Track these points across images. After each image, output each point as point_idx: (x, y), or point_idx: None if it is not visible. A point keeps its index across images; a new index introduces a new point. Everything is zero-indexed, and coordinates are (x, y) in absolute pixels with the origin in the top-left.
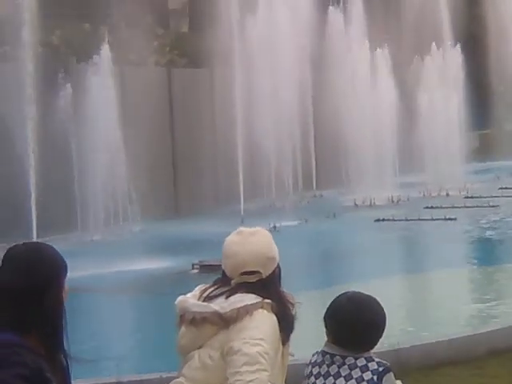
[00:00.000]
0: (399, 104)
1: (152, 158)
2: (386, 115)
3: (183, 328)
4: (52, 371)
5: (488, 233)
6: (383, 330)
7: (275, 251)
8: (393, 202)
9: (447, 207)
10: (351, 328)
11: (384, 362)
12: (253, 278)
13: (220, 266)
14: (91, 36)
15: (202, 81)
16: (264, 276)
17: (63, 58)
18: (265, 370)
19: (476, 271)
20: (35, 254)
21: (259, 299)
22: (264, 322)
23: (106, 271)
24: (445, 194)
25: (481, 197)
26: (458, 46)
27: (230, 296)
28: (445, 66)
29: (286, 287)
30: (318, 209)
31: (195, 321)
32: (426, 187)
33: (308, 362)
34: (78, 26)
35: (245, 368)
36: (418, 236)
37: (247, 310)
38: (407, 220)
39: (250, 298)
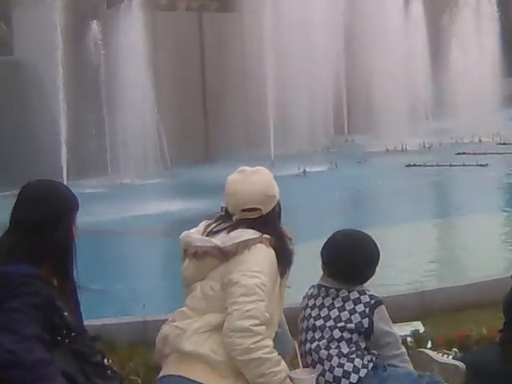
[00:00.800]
0: (432, 50)
1: (183, 103)
2: (418, 62)
3: (187, 261)
4: (63, 300)
5: None
6: (376, 265)
7: (275, 189)
8: (424, 147)
9: (479, 153)
10: (346, 262)
11: (376, 295)
12: (253, 215)
13: None
14: None
15: (233, 25)
16: (264, 213)
17: (93, 3)
18: (262, 301)
19: (505, 217)
20: (48, 190)
21: (258, 234)
22: (262, 255)
23: (136, 214)
24: (477, 140)
25: None
26: None
27: (231, 231)
28: (478, 13)
29: (313, 232)
30: (349, 154)
31: (197, 254)
32: (459, 133)
33: (304, 294)
34: None
35: (242, 298)
36: (449, 181)
37: (246, 245)
38: (438, 166)
39: (250, 234)
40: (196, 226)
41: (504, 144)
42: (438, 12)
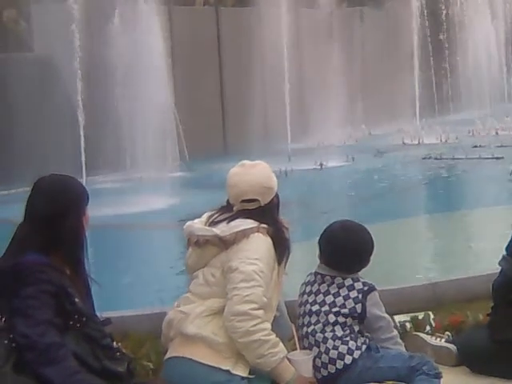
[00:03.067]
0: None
1: (201, 97)
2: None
3: (190, 249)
4: (75, 288)
5: None
6: (370, 255)
7: (273, 182)
8: (441, 140)
9: (495, 146)
10: (341, 251)
11: (369, 282)
12: (252, 206)
13: None
14: None
15: (251, 20)
16: (262, 204)
17: None
18: (260, 286)
19: None
20: (58, 184)
21: (256, 224)
22: (259, 243)
23: (155, 207)
24: (494, 133)
25: None
26: None
27: (230, 221)
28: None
29: (323, 225)
30: (366, 147)
31: (199, 243)
32: (476, 126)
33: (303, 282)
34: None
35: (242, 284)
36: (465, 174)
37: (244, 234)
38: (454, 158)
39: (248, 223)
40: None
41: None
42: None
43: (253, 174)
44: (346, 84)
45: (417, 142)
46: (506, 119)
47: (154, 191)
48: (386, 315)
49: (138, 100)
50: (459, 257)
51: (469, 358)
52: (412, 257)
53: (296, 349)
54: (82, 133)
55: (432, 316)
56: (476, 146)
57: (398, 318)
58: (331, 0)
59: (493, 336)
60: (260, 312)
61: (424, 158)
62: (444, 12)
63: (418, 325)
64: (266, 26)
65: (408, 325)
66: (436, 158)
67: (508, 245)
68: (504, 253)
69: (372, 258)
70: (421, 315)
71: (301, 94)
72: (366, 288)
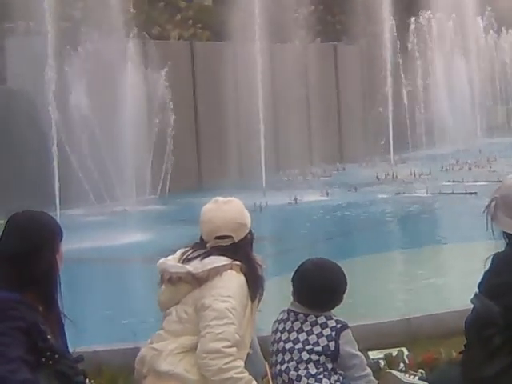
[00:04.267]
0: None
1: (175, 131)
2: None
3: (163, 286)
4: (47, 324)
5: None
6: (343, 293)
7: (247, 218)
8: (414, 175)
9: (468, 182)
10: (314, 290)
11: (342, 320)
12: (225, 242)
13: None
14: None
15: (225, 54)
16: (236, 240)
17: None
18: (233, 324)
19: (489, 245)
20: (30, 220)
21: (229, 261)
22: (232, 281)
23: (130, 241)
24: (467, 168)
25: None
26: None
27: (204, 258)
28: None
29: (297, 261)
30: (341, 182)
31: (172, 280)
32: (449, 162)
33: (275, 319)
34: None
35: (214, 322)
36: (438, 209)
37: (217, 271)
38: (427, 194)
39: (221, 260)
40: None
41: (494, 172)
42: None
43: (226, 210)
44: (320, 119)
45: (390, 178)
46: (478, 155)
47: (130, 224)
48: (360, 353)
49: (114, 135)
50: (432, 293)
51: None
52: (385, 292)
53: None
54: (55, 166)
55: (406, 352)
56: (449, 181)
57: (372, 355)
58: (306, 35)
59: (465, 374)
60: (233, 350)
61: (397, 194)
62: (416, 48)
63: (391, 362)
64: (241, 61)
65: (382, 362)
66: (409, 193)
67: (480, 282)
68: (476, 290)
69: (345, 294)
70: (395, 352)
71: (276, 128)
72: (339, 326)
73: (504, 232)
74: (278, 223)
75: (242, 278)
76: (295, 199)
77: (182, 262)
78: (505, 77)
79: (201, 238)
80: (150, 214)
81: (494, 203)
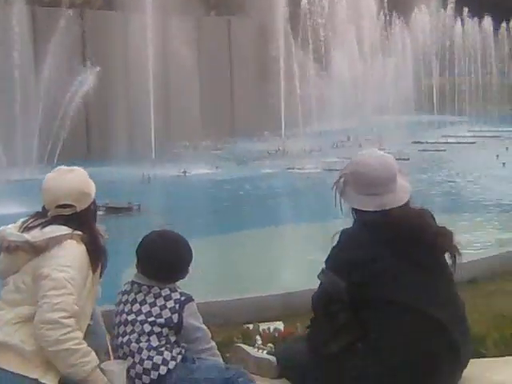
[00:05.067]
0: None
1: (63, 100)
2: None
3: (1, 255)
4: None
5: None
6: (188, 265)
7: (91, 188)
8: (305, 151)
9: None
10: (159, 261)
11: (187, 293)
12: (67, 212)
13: (126, 208)
14: None
15: (116, 24)
16: (78, 210)
17: None
18: (71, 294)
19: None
20: None
21: (69, 231)
22: (71, 251)
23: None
24: (358, 145)
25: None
26: None
27: (44, 227)
28: None
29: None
30: (232, 156)
31: (9, 248)
32: (340, 138)
33: (119, 291)
34: None
35: (52, 292)
36: (325, 185)
37: (57, 240)
38: (317, 170)
39: (61, 230)
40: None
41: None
42: None
43: (68, 178)
44: (213, 93)
45: (282, 153)
46: (372, 132)
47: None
48: (204, 326)
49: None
50: (312, 268)
51: (287, 370)
52: (265, 267)
53: (110, 359)
54: None
55: (280, 326)
56: (339, 158)
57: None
58: (199, 8)
59: (310, 349)
60: (71, 320)
61: (288, 169)
62: (309, 23)
63: (246, 335)
64: (131, 32)
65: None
66: (299, 169)
67: (327, 257)
68: (323, 265)
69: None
70: (251, 326)
71: (167, 100)
72: (183, 298)
73: (352, 208)
74: (165, 195)
75: (82, 248)
76: (184, 172)
77: (22, 231)
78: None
79: (43, 207)
80: (34, 184)
81: (342, 179)
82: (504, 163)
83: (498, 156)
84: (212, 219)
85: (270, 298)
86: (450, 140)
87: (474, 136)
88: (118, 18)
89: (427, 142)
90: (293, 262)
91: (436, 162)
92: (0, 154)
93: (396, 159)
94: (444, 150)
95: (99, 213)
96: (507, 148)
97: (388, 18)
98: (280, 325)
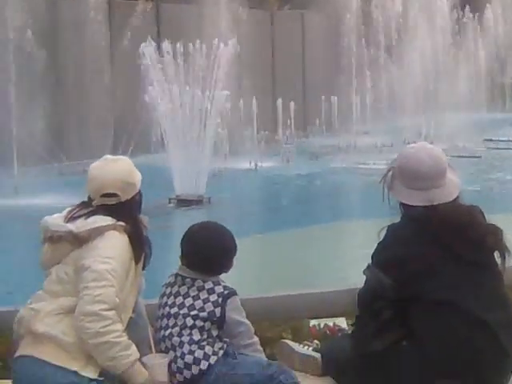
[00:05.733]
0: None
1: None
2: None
3: (45, 245)
4: None
5: None
6: (232, 258)
7: (136, 178)
8: (376, 147)
9: None
10: (201, 254)
11: (230, 286)
12: (111, 201)
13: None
14: None
15: (191, 17)
16: (122, 200)
17: None
18: (112, 286)
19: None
20: None
21: (113, 221)
22: (114, 242)
23: None
24: (429, 141)
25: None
26: None
27: (88, 217)
28: None
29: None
30: (303, 150)
31: (53, 239)
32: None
33: (163, 283)
34: None
35: (93, 284)
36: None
37: (99, 231)
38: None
39: (104, 220)
40: None
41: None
42: None
43: (114, 167)
44: (285, 86)
45: (353, 148)
46: (443, 129)
47: None
48: (247, 321)
49: None
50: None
51: (332, 368)
52: (332, 262)
53: (152, 352)
54: None
55: (345, 322)
56: None
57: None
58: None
59: (354, 347)
60: (111, 313)
61: (359, 164)
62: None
63: (296, 331)
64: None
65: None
66: (369, 164)
67: (373, 253)
68: (369, 261)
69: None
70: (343, 324)
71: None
72: (226, 292)
73: (400, 203)
74: (236, 188)
75: (124, 239)
76: (256, 165)
77: (67, 221)
78: None
79: (88, 197)
80: None
81: (390, 173)
82: None
83: None
84: (280, 214)
85: (334, 294)
86: None
87: None
88: (193, 12)
89: (499, 140)
90: (358, 257)
91: (508, 161)
92: (76, 144)
93: (468, 157)
94: None
95: (169, 205)
96: None
97: (461, 13)
98: (342, 321)
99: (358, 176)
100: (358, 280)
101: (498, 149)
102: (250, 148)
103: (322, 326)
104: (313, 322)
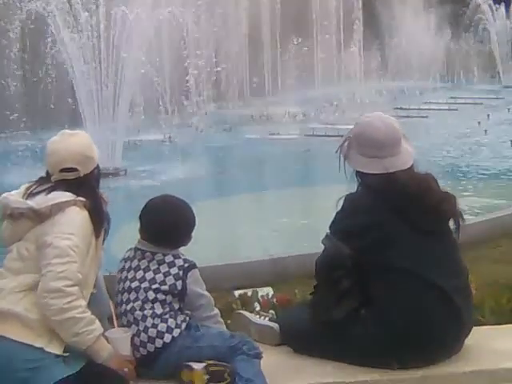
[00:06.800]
0: None
1: None
2: None
3: (5, 222)
4: None
5: None
6: (191, 231)
7: (94, 152)
8: (289, 117)
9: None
10: (162, 227)
11: (190, 259)
12: (71, 176)
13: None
14: None
15: None
16: (81, 174)
17: None
18: (74, 262)
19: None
20: None
21: (73, 197)
22: (75, 217)
23: None
24: (341, 110)
25: None
26: None
27: (49, 193)
28: None
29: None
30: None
31: (13, 216)
32: (322, 103)
33: (122, 257)
34: None
35: (56, 260)
36: (309, 151)
37: (60, 207)
38: (299, 136)
39: (65, 196)
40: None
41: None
42: None
43: (72, 141)
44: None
45: (265, 118)
46: (354, 98)
47: None
48: (207, 293)
49: None
50: (298, 233)
51: (290, 337)
52: (253, 232)
53: (114, 327)
54: None
55: (271, 292)
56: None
57: (237, 294)
58: None
59: (314, 316)
60: (74, 289)
61: (271, 134)
62: None
63: (245, 302)
64: None
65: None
66: (281, 135)
67: (331, 223)
68: (328, 231)
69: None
70: (249, 292)
71: None
72: (186, 265)
73: (356, 172)
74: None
75: (85, 215)
76: (169, 137)
77: (26, 198)
78: None
79: (46, 172)
80: None
81: (347, 143)
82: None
83: (479, 123)
84: (199, 185)
85: (257, 264)
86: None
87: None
88: None
89: (410, 108)
90: (278, 226)
91: (418, 129)
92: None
93: None
94: (426, 117)
95: None
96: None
97: None
98: (269, 290)
99: (271, 146)
100: (278, 249)
101: (408, 117)
102: (164, 119)
103: (269, 296)
104: (238, 292)
